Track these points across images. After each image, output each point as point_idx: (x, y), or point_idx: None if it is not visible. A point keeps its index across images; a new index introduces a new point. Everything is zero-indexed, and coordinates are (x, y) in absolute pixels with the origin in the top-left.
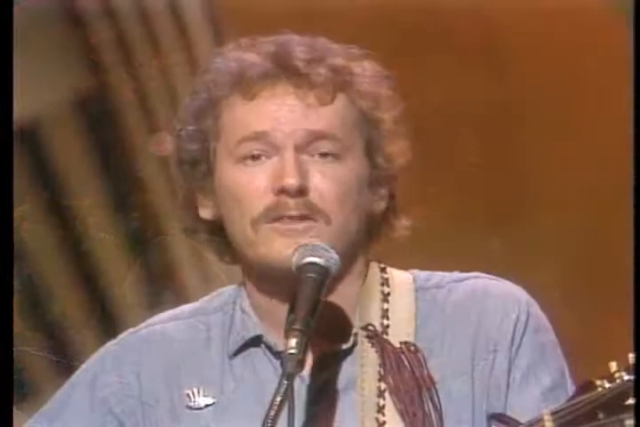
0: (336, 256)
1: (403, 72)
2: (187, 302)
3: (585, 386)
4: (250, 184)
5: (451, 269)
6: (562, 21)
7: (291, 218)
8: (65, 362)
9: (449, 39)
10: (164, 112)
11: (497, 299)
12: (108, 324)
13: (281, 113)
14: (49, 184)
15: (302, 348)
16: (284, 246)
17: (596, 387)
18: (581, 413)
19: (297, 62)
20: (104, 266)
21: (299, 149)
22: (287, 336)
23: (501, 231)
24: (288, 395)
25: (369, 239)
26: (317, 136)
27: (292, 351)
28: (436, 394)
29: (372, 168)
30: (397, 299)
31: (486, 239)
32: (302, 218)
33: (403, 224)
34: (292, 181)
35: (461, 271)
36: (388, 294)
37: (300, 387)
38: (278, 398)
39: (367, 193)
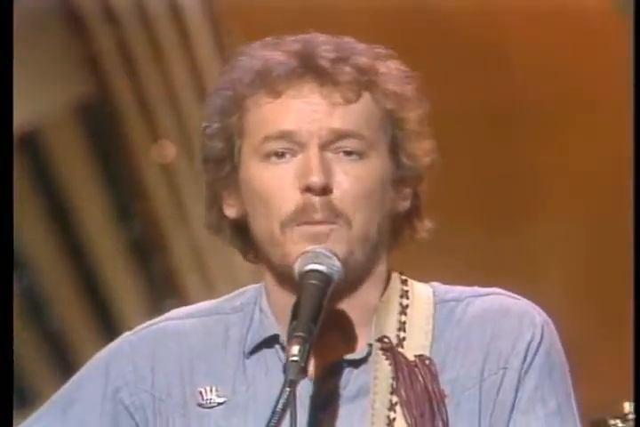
0: (338, 264)
1: None
2: None
3: (597, 424)
4: (275, 182)
5: (453, 277)
6: (563, 22)
7: (316, 222)
8: (65, 368)
9: (450, 40)
10: (166, 118)
11: (513, 318)
12: (109, 329)
13: (306, 112)
14: (50, 191)
15: (305, 355)
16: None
17: (608, 426)
18: None
19: (322, 61)
20: (105, 272)
21: (323, 146)
22: (289, 343)
23: (504, 239)
24: (290, 402)
25: (391, 240)
26: (342, 135)
27: (295, 359)
28: (445, 408)
29: (397, 168)
30: (415, 312)
31: (489, 247)
32: (325, 222)
33: (425, 226)
34: (316, 179)
35: (466, 280)
36: (407, 306)
37: (309, 392)
38: (280, 406)
39: (391, 193)
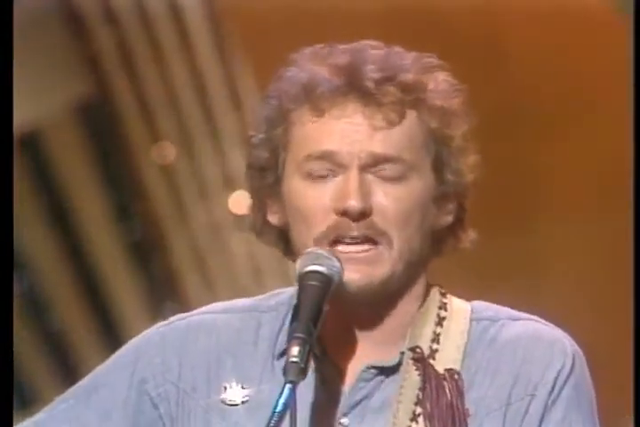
0: (338, 264)
1: None
2: (188, 309)
3: None
4: (315, 202)
5: (453, 276)
6: (563, 22)
7: (351, 241)
8: (65, 368)
9: (450, 40)
10: (166, 119)
11: (546, 345)
12: (109, 330)
13: (348, 133)
14: (50, 191)
15: (305, 356)
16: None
17: None
18: None
19: (367, 82)
20: (105, 273)
21: (363, 168)
22: (289, 344)
23: (504, 239)
24: (290, 404)
25: (433, 252)
26: (381, 159)
27: (294, 360)
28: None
29: (440, 184)
30: (451, 325)
31: (489, 247)
32: (363, 240)
33: (469, 237)
34: (353, 203)
35: (466, 280)
36: (444, 318)
37: (337, 398)
38: (279, 408)
39: (433, 209)
